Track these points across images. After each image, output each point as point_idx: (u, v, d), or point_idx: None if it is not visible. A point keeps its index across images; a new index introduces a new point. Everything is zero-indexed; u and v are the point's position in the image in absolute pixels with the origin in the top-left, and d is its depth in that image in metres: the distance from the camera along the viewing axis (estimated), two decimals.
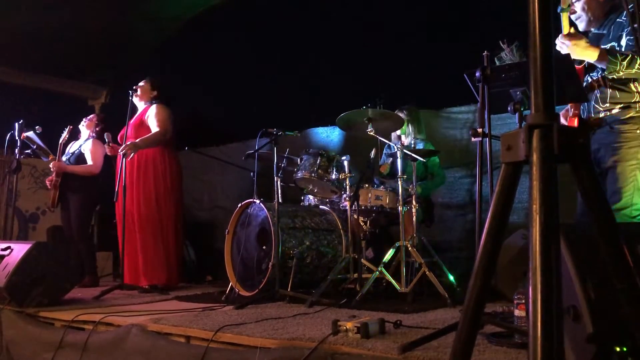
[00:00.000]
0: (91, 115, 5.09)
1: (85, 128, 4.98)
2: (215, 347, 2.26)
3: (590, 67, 2.58)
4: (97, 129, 4.96)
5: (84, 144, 4.89)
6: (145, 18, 5.77)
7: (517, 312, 2.03)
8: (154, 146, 4.37)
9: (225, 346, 2.27)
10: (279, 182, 3.63)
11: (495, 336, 1.94)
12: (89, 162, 4.80)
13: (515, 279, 2.98)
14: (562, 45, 2.41)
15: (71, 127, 4.88)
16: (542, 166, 0.83)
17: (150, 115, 4.44)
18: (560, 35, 2.41)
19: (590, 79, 2.59)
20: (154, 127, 4.37)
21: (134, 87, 4.42)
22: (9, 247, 3.49)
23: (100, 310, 3.11)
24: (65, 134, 4.82)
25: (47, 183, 4.80)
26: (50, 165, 4.71)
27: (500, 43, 3.37)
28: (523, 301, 2.01)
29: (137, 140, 4.25)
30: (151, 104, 4.51)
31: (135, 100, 4.50)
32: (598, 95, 2.54)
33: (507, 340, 1.89)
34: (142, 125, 4.43)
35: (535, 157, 0.84)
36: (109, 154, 4.46)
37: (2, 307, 3.27)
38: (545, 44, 0.87)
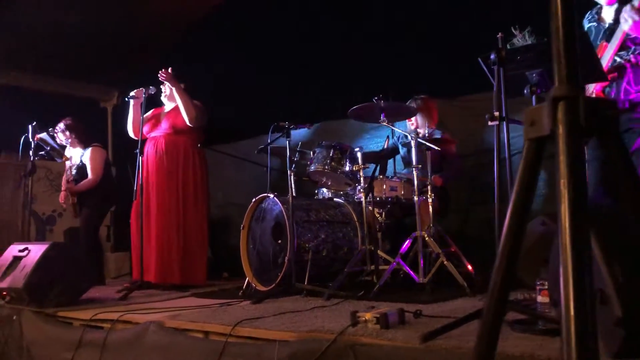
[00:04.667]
0: (63, 137, 4.98)
1: (71, 147, 5.01)
2: (233, 342, 2.25)
3: (622, 47, 2.50)
4: (83, 134, 4.99)
5: (84, 153, 4.92)
6: (155, 18, 5.77)
7: (540, 299, 1.99)
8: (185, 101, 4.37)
9: (243, 340, 2.26)
10: (292, 176, 3.61)
11: (518, 323, 1.90)
12: (89, 173, 4.82)
13: (535, 266, 2.92)
14: (634, 16, 2.31)
15: (70, 156, 4.96)
16: (569, 140, 0.79)
17: None
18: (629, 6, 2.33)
19: (619, 59, 2.51)
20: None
21: (162, 84, 4.43)
22: (26, 249, 3.51)
23: (118, 308, 3.11)
24: (70, 164, 4.92)
25: (62, 201, 4.88)
26: (62, 188, 4.79)
27: (512, 29, 3.31)
28: (546, 287, 1.97)
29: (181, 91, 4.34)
30: None
31: (164, 99, 4.52)
32: (631, 76, 2.47)
33: (531, 327, 1.85)
34: (182, 120, 4.40)
35: (561, 131, 0.80)
36: None
37: (22, 308, 3.29)
38: (567, 12, 0.83)
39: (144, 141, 4.37)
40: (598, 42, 2.53)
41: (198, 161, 4.48)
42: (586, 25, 2.69)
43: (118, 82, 6.83)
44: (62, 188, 4.79)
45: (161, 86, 4.45)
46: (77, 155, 4.96)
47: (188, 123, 4.35)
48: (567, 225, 0.76)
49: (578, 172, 0.78)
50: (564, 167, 0.78)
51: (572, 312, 0.71)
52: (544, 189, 3.82)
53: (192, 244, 4.36)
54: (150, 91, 4.31)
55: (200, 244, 4.43)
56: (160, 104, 4.62)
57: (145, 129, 4.39)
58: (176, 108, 4.48)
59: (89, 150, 4.91)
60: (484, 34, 2.61)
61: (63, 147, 5.01)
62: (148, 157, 4.37)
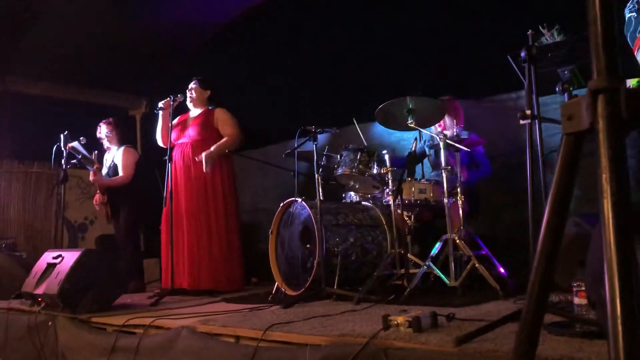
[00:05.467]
0: (105, 129, 5.09)
1: (108, 141, 5.11)
2: (264, 346, 2.24)
3: None
4: (123, 135, 5.10)
5: (116, 154, 5.02)
6: (181, 25, 5.84)
7: (576, 300, 1.93)
8: (223, 153, 4.41)
9: (275, 345, 2.25)
10: (319, 180, 3.60)
11: (555, 326, 1.85)
12: (120, 172, 4.91)
13: (569, 268, 2.86)
14: None
15: (97, 165, 5.00)
16: (610, 133, 0.76)
17: (220, 120, 4.48)
18: None
19: None
20: (226, 132, 4.43)
21: (188, 90, 4.48)
22: (60, 256, 3.57)
23: (150, 314, 3.14)
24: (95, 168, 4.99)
25: (95, 203, 4.95)
26: (90, 179, 4.84)
27: (540, 28, 3.26)
28: (582, 289, 1.92)
29: (212, 149, 4.29)
30: (214, 106, 4.55)
31: (189, 104, 4.55)
32: None
33: (568, 330, 1.80)
34: (209, 127, 4.46)
35: (601, 124, 0.77)
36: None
37: (56, 314, 3.34)
38: (605, 0, 0.81)
39: (172, 148, 4.41)
40: (637, 35, 2.45)
41: (226, 167, 4.50)
42: (627, 15, 2.59)
43: (146, 91, 6.94)
44: (90, 178, 4.84)
45: (187, 91, 4.49)
46: (110, 156, 5.08)
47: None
48: (610, 221, 0.74)
49: (620, 166, 0.76)
50: (606, 161, 0.76)
51: (618, 310, 0.68)
52: (575, 190, 3.73)
53: (224, 249, 4.36)
54: (178, 99, 4.37)
55: (232, 249, 4.42)
56: (187, 109, 4.66)
57: (173, 136, 4.44)
58: (202, 114, 4.52)
59: (121, 150, 5.02)
60: (511, 34, 2.57)
61: (96, 154, 5.09)
62: (176, 163, 4.42)
